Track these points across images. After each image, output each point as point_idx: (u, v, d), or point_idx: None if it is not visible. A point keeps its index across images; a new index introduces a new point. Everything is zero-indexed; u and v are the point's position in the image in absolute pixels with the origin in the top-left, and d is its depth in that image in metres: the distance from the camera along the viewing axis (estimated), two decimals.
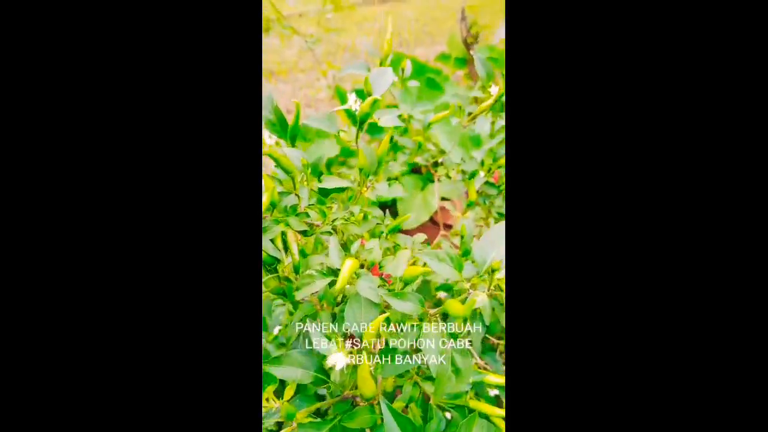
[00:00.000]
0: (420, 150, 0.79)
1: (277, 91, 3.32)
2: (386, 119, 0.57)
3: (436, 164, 0.86)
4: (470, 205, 0.84)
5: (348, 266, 0.41)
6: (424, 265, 0.45)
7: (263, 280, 0.48)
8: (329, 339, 0.43)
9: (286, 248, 0.51)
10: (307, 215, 0.52)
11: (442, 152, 0.82)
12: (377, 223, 0.60)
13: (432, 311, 0.41)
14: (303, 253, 0.50)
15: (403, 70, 0.76)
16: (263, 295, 0.51)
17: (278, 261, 0.49)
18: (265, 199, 0.46)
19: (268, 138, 0.67)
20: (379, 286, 0.50)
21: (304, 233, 0.53)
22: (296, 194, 0.53)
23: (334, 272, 0.47)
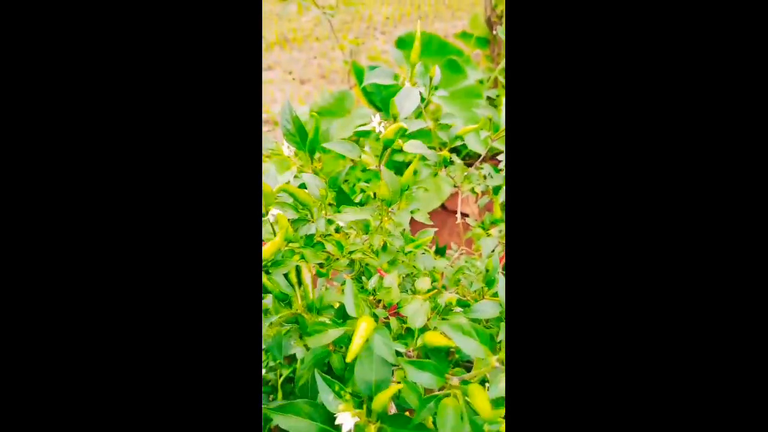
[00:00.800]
0: (444, 163, 0.76)
1: (292, 59, 3.24)
2: (412, 145, 0.53)
3: (450, 162, 0.83)
4: (495, 222, 0.81)
5: (363, 330, 0.38)
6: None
7: (278, 315, 0.46)
8: (338, 396, 0.40)
9: (300, 282, 0.48)
10: (323, 246, 0.49)
11: (465, 168, 0.78)
12: (397, 251, 0.57)
13: (454, 381, 0.39)
14: (320, 273, 0.48)
15: (431, 78, 0.71)
16: (274, 329, 0.49)
17: (291, 297, 0.47)
18: (278, 238, 0.43)
19: (287, 149, 0.64)
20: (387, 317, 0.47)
21: (320, 266, 0.50)
22: (312, 221, 0.50)
23: (348, 317, 0.44)
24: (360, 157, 0.54)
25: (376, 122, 0.54)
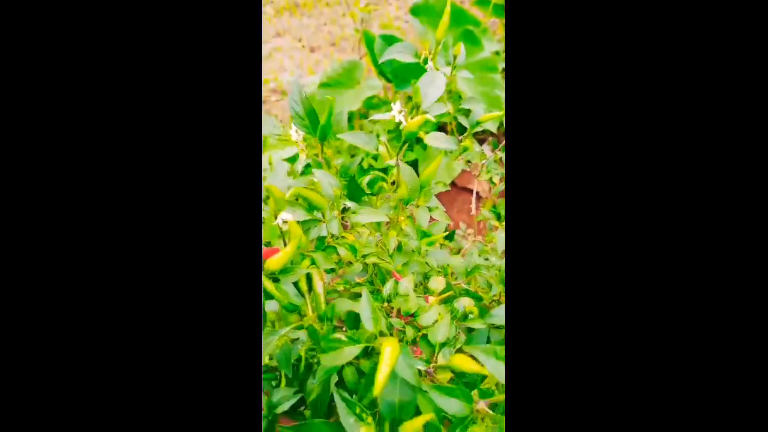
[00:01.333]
0: (465, 151, 0.70)
1: (302, 26, 3.13)
2: (436, 138, 0.48)
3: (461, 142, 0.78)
4: None
5: (388, 357, 0.34)
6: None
7: (288, 326, 0.42)
8: (360, 419, 0.37)
9: (311, 289, 0.44)
10: (335, 250, 0.45)
11: (484, 155, 0.73)
12: (412, 251, 0.52)
13: (481, 405, 0.35)
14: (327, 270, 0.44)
15: (455, 57, 0.65)
16: (282, 340, 0.45)
17: (300, 307, 0.43)
18: (290, 248, 0.38)
19: (295, 133, 0.59)
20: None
21: (332, 270, 0.46)
22: (325, 222, 0.46)
23: (359, 323, 0.41)
24: (377, 149, 0.49)
25: (396, 111, 0.49)
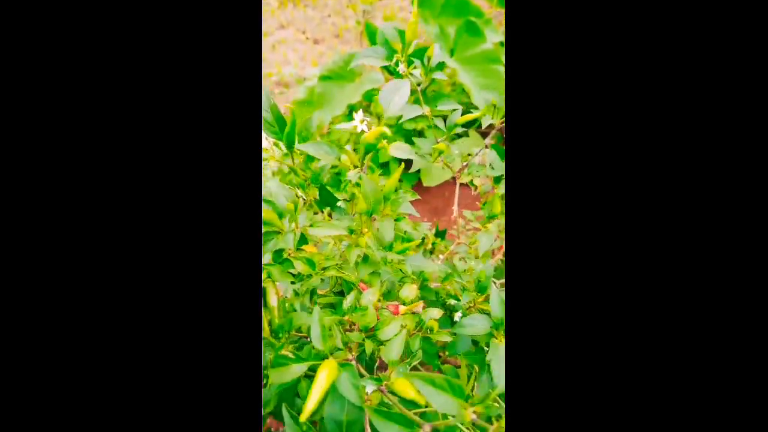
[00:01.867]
0: (443, 155, 0.69)
1: (306, 18, 3.11)
2: (398, 149, 0.47)
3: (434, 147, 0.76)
4: (492, 217, 0.75)
5: (323, 380, 0.34)
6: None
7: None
8: None
9: (265, 304, 0.44)
10: (292, 264, 0.44)
11: (466, 157, 0.72)
12: (378, 261, 0.52)
13: (426, 429, 0.34)
14: (284, 309, 0.43)
15: (429, 59, 0.64)
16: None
17: None
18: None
19: (265, 140, 0.58)
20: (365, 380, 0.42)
21: (292, 284, 0.45)
22: (282, 231, 0.45)
23: (314, 352, 0.40)
24: (339, 159, 0.48)
25: (357, 120, 0.48)
